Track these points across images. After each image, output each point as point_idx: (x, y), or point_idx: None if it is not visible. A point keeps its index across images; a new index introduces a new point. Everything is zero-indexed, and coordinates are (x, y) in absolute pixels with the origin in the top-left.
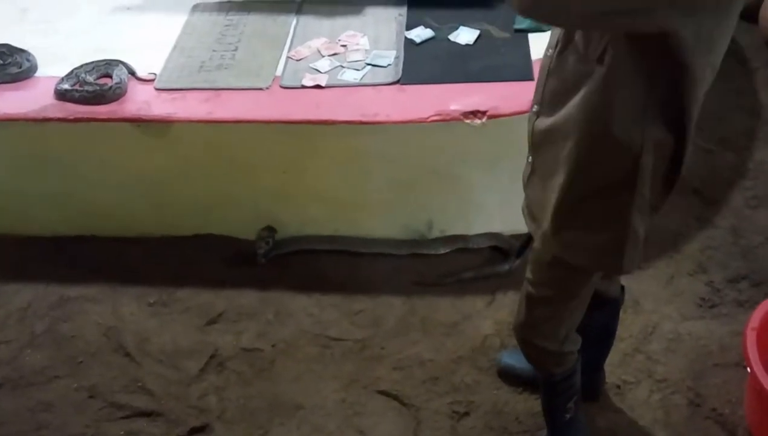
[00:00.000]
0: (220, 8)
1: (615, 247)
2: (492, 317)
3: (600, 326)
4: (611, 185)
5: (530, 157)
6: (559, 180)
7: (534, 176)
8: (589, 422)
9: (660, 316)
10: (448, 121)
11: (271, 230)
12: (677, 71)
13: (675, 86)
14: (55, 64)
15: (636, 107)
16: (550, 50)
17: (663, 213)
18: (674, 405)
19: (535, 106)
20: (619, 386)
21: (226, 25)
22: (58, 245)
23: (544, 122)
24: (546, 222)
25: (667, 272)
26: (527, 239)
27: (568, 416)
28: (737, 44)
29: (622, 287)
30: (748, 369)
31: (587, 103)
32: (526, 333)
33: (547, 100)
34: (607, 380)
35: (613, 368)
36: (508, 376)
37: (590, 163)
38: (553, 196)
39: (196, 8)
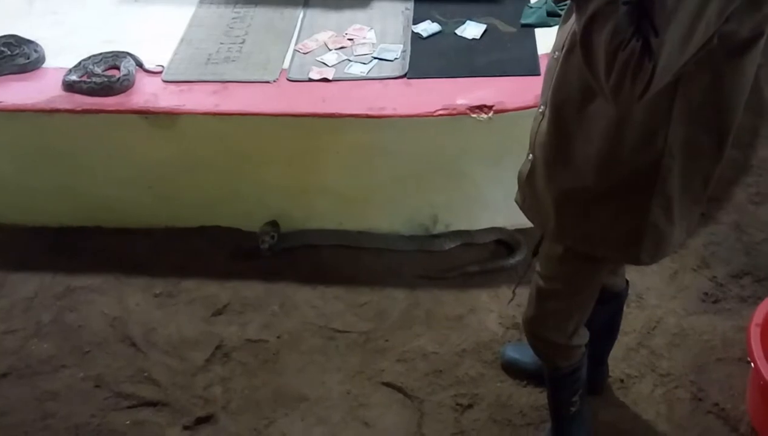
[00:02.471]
0: (228, 1)
1: (633, 240)
2: (496, 310)
3: (604, 320)
4: (629, 185)
5: (531, 155)
6: (573, 178)
7: (536, 173)
8: (592, 416)
9: (664, 311)
10: (454, 115)
11: (274, 224)
12: (727, 76)
13: (717, 90)
14: (63, 55)
15: (659, 111)
16: (557, 52)
17: None
18: (677, 400)
19: (542, 107)
20: (622, 380)
21: (234, 18)
22: (64, 235)
23: (551, 125)
24: (561, 216)
25: (670, 267)
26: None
27: (573, 409)
28: None
29: (627, 282)
30: (752, 364)
31: (603, 108)
32: (536, 326)
33: (554, 103)
34: (610, 374)
35: (616, 362)
36: (511, 369)
37: (607, 165)
38: (567, 193)
39: (203, 1)
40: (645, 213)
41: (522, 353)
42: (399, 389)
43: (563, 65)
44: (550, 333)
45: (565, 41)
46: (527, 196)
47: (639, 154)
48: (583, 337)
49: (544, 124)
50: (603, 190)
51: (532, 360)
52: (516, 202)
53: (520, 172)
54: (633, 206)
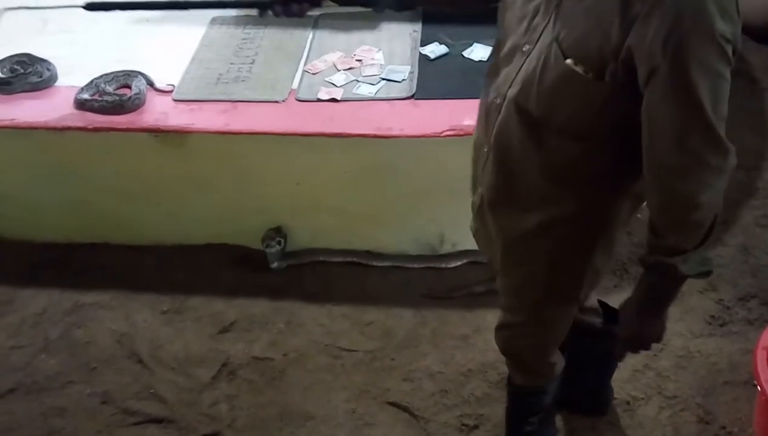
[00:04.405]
0: (238, 22)
1: (573, 283)
2: None
3: (598, 352)
4: (574, 226)
5: (479, 189)
6: (518, 218)
7: (484, 209)
8: None
9: (670, 333)
10: (461, 136)
11: (278, 230)
12: None
13: None
14: (75, 73)
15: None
16: (499, 98)
17: None
18: (684, 422)
19: (485, 147)
20: (628, 403)
21: (244, 39)
22: (72, 251)
23: (495, 167)
24: (506, 255)
25: None
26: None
27: (528, 429)
28: (747, 64)
29: (614, 311)
30: (758, 387)
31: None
32: (505, 343)
33: (498, 148)
34: (616, 396)
35: (622, 383)
36: None
37: (557, 206)
38: (512, 232)
39: (214, 21)
40: (589, 256)
41: None
42: (405, 409)
43: (506, 114)
44: (519, 351)
45: (507, 90)
46: (479, 227)
47: (591, 195)
48: (557, 362)
49: (489, 165)
50: (544, 231)
51: None
52: (471, 229)
53: (472, 203)
54: (578, 248)
